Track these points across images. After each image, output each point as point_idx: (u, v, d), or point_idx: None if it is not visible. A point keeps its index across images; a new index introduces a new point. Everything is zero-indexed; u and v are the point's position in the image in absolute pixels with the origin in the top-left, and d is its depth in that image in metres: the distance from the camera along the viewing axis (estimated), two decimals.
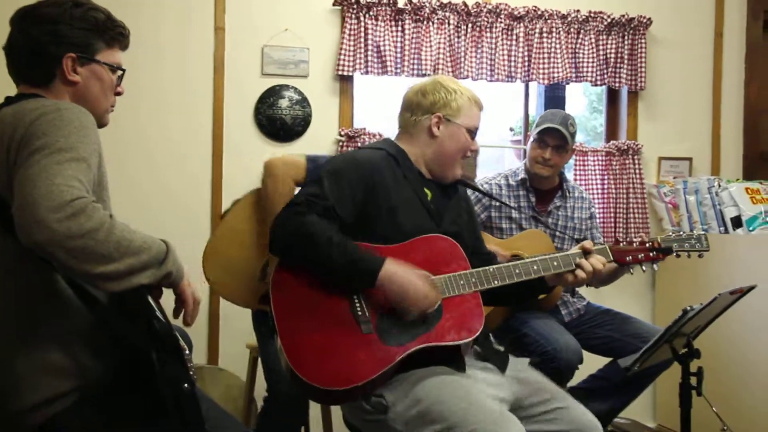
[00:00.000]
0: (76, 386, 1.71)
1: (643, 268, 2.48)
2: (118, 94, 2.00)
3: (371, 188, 2.34)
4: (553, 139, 3.37)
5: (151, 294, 1.69)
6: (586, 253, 2.39)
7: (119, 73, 1.98)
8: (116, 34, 1.96)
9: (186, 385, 1.65)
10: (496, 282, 2.33)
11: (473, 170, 3.26)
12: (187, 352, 1.72)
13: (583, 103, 6.56)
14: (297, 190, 2.85)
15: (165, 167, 3.96)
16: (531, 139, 3.47)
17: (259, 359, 3.13)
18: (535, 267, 2.37)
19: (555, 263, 2.38)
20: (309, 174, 2.85)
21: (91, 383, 1.73)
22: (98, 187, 1.71)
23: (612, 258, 2.45)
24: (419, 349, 2.18)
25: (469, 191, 3.16)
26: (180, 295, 1.77)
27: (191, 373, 1.70)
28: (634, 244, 2.49)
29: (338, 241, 2.17)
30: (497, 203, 3.42)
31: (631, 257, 2.47)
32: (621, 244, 2.49)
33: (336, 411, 3.25)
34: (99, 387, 1.73)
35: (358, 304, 2.21)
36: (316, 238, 2.17)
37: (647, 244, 2.49)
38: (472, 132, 2.52)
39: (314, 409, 3.25)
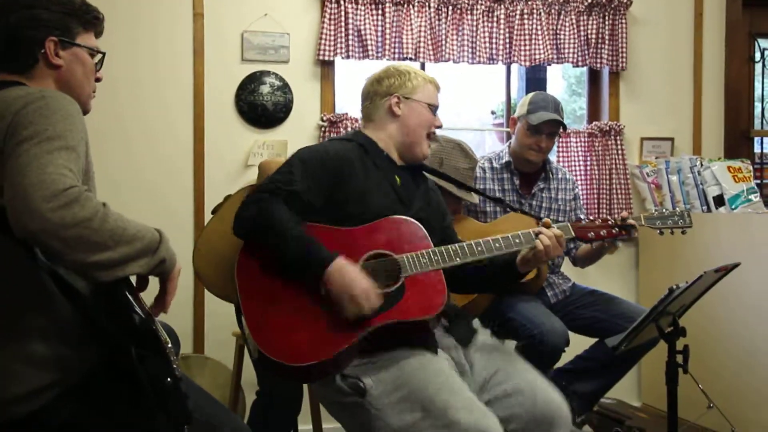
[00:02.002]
0: (59, 379, 1.69)
1: (606, 244, 2.52)
2: (98, 80, 2.00)
3: (340, 178, 2.38)
4: (549, 127, 3.37)
5: (138, 284, 1.68)
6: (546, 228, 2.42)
7: (98, 57, 1.97)
8: (92, 18, 1.95)
9: (168, 379, 1.64)
10: (458, 259, 2.37)
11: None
12: (170, 345, 1.70)
13: (562, 85, 6.55)
14: None
15: (144, 155, 3.92)
16: (521, 124, 3.42)
17: (247, 355, 3.12)
18: (497, 244, 2.40)
19: (517, 240, 2.41)
20: None
21: (75, 375, 1.71)
22: (85, 176, 1.69)
23: (573, 234, 2.48)
24: (384, 326, 2.21)
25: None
26: (165, 284, 1.76)
27: (174, 366, 1.68)
28: (597, 222, 2.53)
29: (295, 235, 2.21)
30: (481, 186, 3.42)
31: (593, 233, 2.51)
32: (582, 221, 2.53)
33: None
34: (83, 379, 1.72)
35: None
36: (275, 228, 2.22)
37: (609, 221, 2.53)
38: (433, 108, 2.58)
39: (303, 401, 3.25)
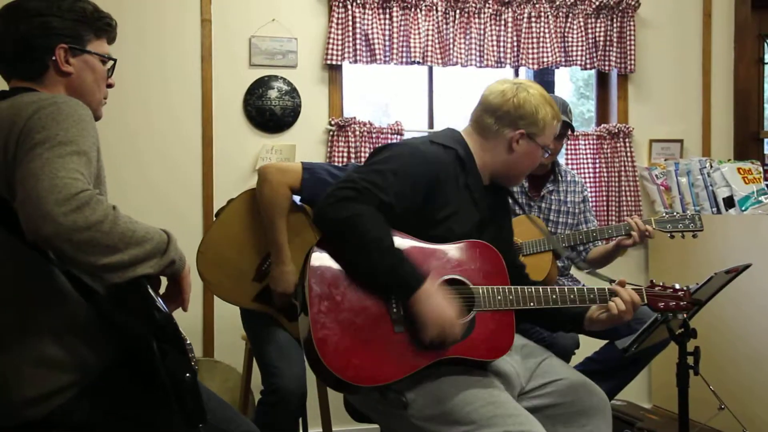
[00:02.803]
0: (75, 380, 1.70)
1: (669, 316, 2.45)
2: (110, 86, 2.00)
3: (433, 190, 2.24)
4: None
5: (151, 284, 1.69)
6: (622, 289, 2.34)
7: (110, 64, 1.98)
8: (104, 25, 1.95)
9: (188, 374, 1.65)
10: (532, 304, 2.28)
11: None
12: (189, 341, 1.71)
13: (570, 88, 6.53)
14: (292, 197, 2.87)
15: (153, 161, 3.94)
16: None
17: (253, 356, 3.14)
18: (572, 296, 2.32)
19: (591, 296, 2.33)
20: (304, 182, 2.84)
21: (90, 375, 1.72)
22: (96, 180, 1.69)
23: (646, 302, 2.39)
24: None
25: None
26: (179, 283, 1.77)
27: (193, 363, 1.69)
28: (668, 291, 2.42)
29: (388, 245, 2.09)
30: None
31: (663, 304, 2.42)
32: (656, 288, 2.43)
33: (333, 398, 3.25)
34: (98, 379, 1.73)
35: (394, 301, 2.14)
36: (366, 234, 2.07)
37: (680, 293, 2.42)
38: (546, 150, 2.47)
39: (311, 393, 3.25)
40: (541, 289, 2.30)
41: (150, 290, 1.66)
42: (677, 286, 2.44)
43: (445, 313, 2.10)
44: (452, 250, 2.27)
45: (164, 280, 1.78)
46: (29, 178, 1.53)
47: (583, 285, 2.37)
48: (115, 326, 1.73)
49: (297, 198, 2.91)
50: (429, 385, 2.14)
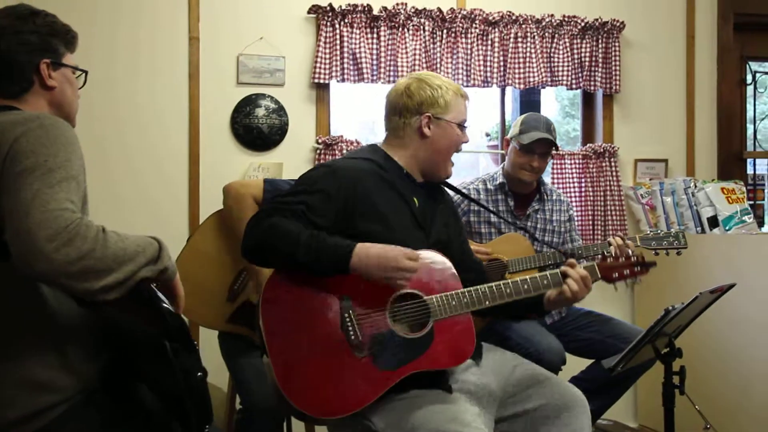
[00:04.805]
0: (61, 399, 1.69)
1: (627, 283, 2.48)
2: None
3: (352, 198, 2.27)
4: (540, 147, 3.38)
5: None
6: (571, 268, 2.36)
7: (78, 74, 2.00)
8: (71, 38, 1.97)
9: (200, 373, 1.67)
10: (487, 303, 2.31)
11: None
12: (196, 342, 1.71)
13: (555, 108, 6.58)
14: (257, 208, 2.90)
15: (142, 179, 3.92)
16: (514, 145, 3.44)
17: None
18: (526, 286, 2.34)
19: (545, 282, 2.35)
20: (266, 194, 2.92)
21: (79, 394, 1.71)
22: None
23: (599, 276, 2.43)
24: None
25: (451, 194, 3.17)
26: (173, 289, 1.78)
27: (201, 362, 1.70)
28: (620, 260, 2.47)
29: (305, 240, 2.11)
30: (476, 208, 3.43)
31: (617, 274, 2.46)
32: (608, 260, 2.46)
33: None
34: (87, 395, 1.71)
35: (350, 326, 2.16)
36: (282, 239, 2.12)
37: (632, 259, 2.47)
38: (462, 126, 2.50)
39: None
40: (494, 286, 2.32)
41: (158, 292, 1.68)
42: (630, 253, 2.49)
43: (388, 253, 2.12)
44: None
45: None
46: (19, 210, 1.52)
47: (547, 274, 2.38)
48: (117, 331, 1.72)
49: None
50: (400, 415, 2.14)
